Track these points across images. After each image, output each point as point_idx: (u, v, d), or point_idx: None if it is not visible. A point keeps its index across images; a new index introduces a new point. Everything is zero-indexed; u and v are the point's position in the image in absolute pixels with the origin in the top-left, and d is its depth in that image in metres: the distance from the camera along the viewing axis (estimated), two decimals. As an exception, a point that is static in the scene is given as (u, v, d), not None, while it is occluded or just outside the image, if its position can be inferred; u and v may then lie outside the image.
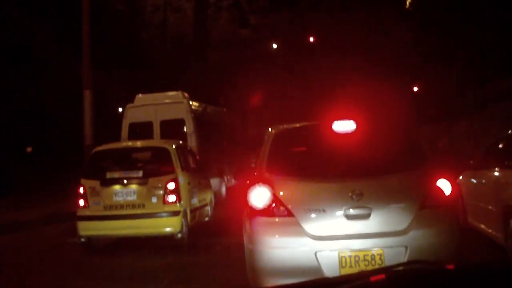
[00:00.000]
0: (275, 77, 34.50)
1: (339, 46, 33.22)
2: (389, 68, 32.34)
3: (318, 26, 35.32)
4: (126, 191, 10.97)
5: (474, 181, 10.08)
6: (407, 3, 36.18)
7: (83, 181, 11.16)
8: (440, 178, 6.51)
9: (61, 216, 15.61)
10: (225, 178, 18.62)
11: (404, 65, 33.30)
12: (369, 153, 6.99)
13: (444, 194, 6.43)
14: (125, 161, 11.87)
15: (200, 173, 13.08)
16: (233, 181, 18.96)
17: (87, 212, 11.02)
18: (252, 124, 33.11)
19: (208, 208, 13.38)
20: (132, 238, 11.43)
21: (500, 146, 9.34)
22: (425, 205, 6.29)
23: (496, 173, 8.91)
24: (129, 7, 31.25)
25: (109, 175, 11.22)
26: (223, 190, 18.39)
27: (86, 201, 11.02)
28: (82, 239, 11.10)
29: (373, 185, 6.41)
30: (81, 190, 11.08)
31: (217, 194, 16.00)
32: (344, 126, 6.85)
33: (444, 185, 6.47)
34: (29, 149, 27.87)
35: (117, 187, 11.03)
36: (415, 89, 37.54)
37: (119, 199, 10.96)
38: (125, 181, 11.05)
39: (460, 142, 30.18)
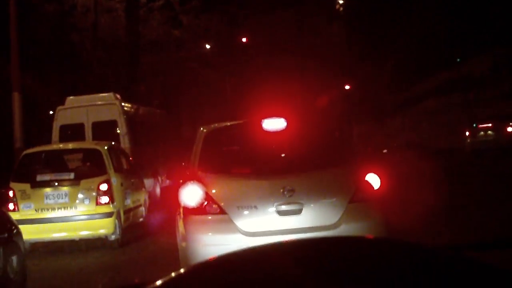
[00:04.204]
0: (209, 77, 34.49)
1: (272, 45, 33.46)
2: (321, 67, 32.76)
3: (251, 26, 35.46)
4: (57, 194, 10.81)
5: None
6: (338, 4, 36.73)
7: (12, 184, 10.93)
8: (369, 172, 6.68)
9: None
10: (159, 179, 18.53)
11: (336, 64, 33.80)
12: (299, 150, 7.12)
13: (373, 188, 6.59)
14: (56, 163, 11.72)
15: (133, 174, 12.99)
16: (167, 181, 18.88)
17: (17, 216, 10.76)
18: (187, 124, 33.02)
19: (142, 208, 13.30)
20: (64, 241, 11.27)
21: None
22: (355, 199, 6.44)
23: None
24: (58, 9, 30.70)
25: (39, 177, 11.04)
26: (157, 190, 18.29)
27: (15, 204, 10.79)
28: (13, 244, 10.86)
29: (304, 181, 6.53)
30: (10, 193, 10.85)
31: (151, 195, 15.90)
32: (274, 124, 6.95)
33: (373, 180, 6.64)
34: None
35: (48, 189, 10.86)
36: (347, 87, 38.12)
37: (50, 201, 10.79)
38: (56, 183, 10.89)
39: (392, 138, 30.88)
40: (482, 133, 26.08)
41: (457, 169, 19.87)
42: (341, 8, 36.33)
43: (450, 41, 30.14)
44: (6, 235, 7.29)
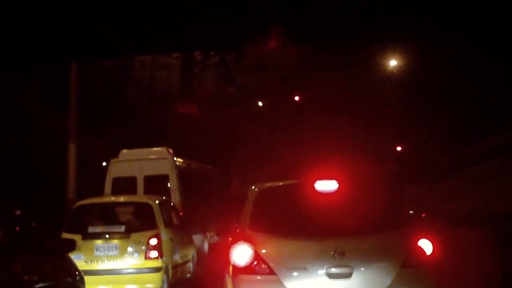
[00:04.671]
0: (261, 135, 34.69)
1: (324, 105, 33.58)
2: (373, 127, 32.68)
3: (304, 85, 35.70)
4: (107, 246, 10.92)
5: None
6: (391, 66, 36.78)
7: (64, 235, 11.06)
8: (421, 237, 6.57)
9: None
10: (208, 235, 18.52)
11: (388, 124, 33.68)
12: (351, 212, 7.05)
13: (426, 253, 6.48)
14: (108, 216, 11.86)
15: (183, 229, 13.03)
16: (216, 238, 18.86)
17: (68, 267, 10.90)
18: (237, 181, 33.12)
19: (190, 264, 13.29)
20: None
21: None
22: (407, 265, 6.33)
23: None
24: (116, 64, 31.52)
25: (91, 229, 11.19)
26: (206, 246, 18.27)
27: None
28: (62, 295, 10.93)
29: (355, 244, 6.46)
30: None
31: (199, 251, 15.89)
32: (326, 185, 6.93)
33: (426, 245, 6.53)
34: (18, 212, 27.36)
35: (98, 241, 10.98)
36: (399, 148, 37.82)
37: (100, 253, 10.90)
38: (107, 236, 11.01)
39: (443, 203, 30.29)
40: None
41: None
42: (395, 71, 36.35)
43: (506, 102, 29.76)
44: (70, 279, 7.49)
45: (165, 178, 16.80)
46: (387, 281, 6.21)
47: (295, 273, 6.23)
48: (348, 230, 6.60)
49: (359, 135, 32.22)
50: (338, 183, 6.93)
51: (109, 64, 31.05)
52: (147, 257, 10.83)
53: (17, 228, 7.15)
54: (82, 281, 7.86)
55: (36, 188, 24.63)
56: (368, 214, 7.04)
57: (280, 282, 6.20)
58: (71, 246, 7.80)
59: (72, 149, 18.23)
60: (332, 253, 6.23)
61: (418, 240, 6.53)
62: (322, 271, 6.21)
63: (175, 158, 17.56)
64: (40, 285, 6.57)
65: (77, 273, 7.86)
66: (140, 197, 14.57)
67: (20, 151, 24.72)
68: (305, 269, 6.24)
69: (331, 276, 6.18)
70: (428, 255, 6.48)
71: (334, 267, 6.20)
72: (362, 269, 6.25)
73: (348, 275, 6.19)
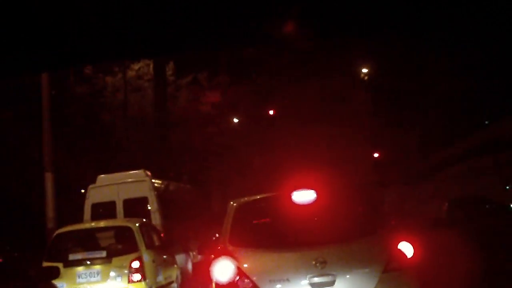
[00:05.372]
0: (238, 150, 34.68)
1: (299, 115, 33.68)
2: (347, 135, 32.82)
3: (277, 97, 35.79)
4: (89, 272, 10.84)
5: None
6: (362, 74, 37.06)
7: (45, 264, 10.99)
8: (401, 240, 6.60)
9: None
10: (191, 254, 18.43)
11: (363, 131, 33.86)
12: (330, 221, 7.07)
13: (406, 256, 6.50)
14: (88, 242, 11.79)
15: (165, 250, 12.97)
16: (199, 256, 18.77)
17: (50, 296, 10.79)
18: (216, 198, 33.04)
19: (175, 285, 13.22)
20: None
21: None
22: (388, 269, 6.35)
23: None
24: (89, 90, 31.42)
25: (71, 256, 11.11)
26: (189, 266, 18.16)
27: (48, 284, 10.80)
28: (46, 325, 10.82)
29: (336, 252, 6.48)
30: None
31: (183, 271, 15.80)
32: (303, 196, 6.94)
33: (406, 248, 6.55)
34: None
35: (80, 268, 10.90)
36: (376, 155, 38.01)
37: (82, 280, 10.82)
38: (89, 262, 10.95)
39: (424, 205, 30.45)
40: None
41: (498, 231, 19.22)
42: (366, 77, 36.61)
43: (478, 104, 30.07)
44: None
45: (144, 200, 16.71)
46: (370, 286, 6.22)
47: (278, 285, 6.23)
48: (328, 239, 6.62)
49: (335, 144, 32.35)
50: (316, 193, 6.95)
51: (82, 90, 30.97)
52: (130, 281, 10.77)
53: (0, 260, 7.12)
54: None
55: (14, 218, 24.39)
56: (348, 221, 7.08)
57: (264, 295, 6.19)
58: (55, 273, 7.74)
59: (49, 178, 18.10)
60: (313, 262, 6.24)
61: (398, 243, 6.55)
62: (305, 281, 6.21)
63: (153, 180, 17.49)
64: None
65: None
66: (119, 221, 14.49)
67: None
68: (288, 280, 6.24)
69: (314, 285, 6.18)
70: (409, 258, 6.50)
71: (317, 276, 6.20)
72: (344, 276, 6.26)
73: (331, 283, 6.19)
